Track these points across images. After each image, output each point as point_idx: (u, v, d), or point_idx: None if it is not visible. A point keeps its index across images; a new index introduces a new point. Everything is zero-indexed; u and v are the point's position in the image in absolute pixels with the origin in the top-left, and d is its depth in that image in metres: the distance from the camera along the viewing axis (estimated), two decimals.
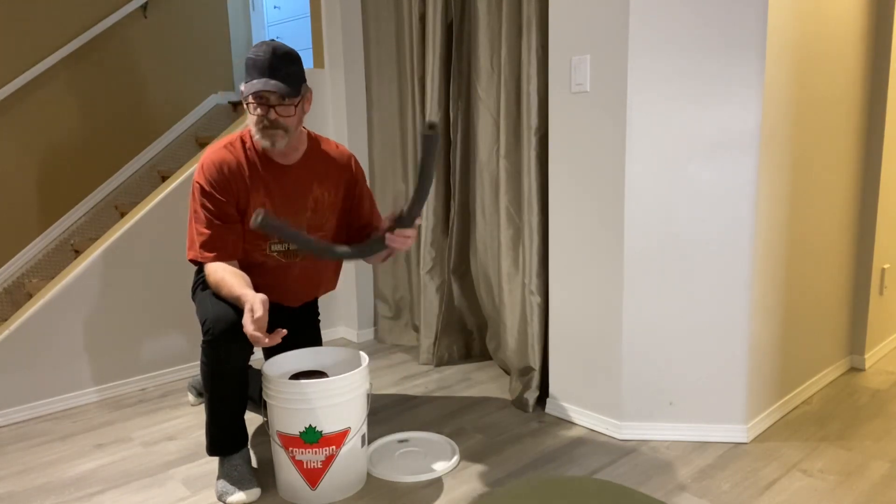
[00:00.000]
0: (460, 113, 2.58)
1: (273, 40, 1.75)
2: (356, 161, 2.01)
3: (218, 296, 1.77)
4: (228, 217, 1.80)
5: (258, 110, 1.73)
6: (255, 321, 1.54)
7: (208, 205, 1.78)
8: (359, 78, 2.97)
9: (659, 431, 2.04)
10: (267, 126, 1.74)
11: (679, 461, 1.90)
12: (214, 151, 1.81)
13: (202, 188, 1.78)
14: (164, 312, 2.64)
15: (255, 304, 1.57)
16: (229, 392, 1.77)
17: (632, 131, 1.91)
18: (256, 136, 1.77)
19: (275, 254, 1.90)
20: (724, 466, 1.87)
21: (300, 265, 1.94)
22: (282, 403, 1.67)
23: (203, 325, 1.73)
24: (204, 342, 1.71)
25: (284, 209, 1.87)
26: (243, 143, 1.84)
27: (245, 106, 1.78)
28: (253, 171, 1.82)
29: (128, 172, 3.78)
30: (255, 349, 2.78)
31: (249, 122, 1.79)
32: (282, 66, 1.71)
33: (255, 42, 4.46)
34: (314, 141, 1.93)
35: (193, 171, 2.64)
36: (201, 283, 1.90)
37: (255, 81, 1.70)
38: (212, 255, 1.78)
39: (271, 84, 1.69)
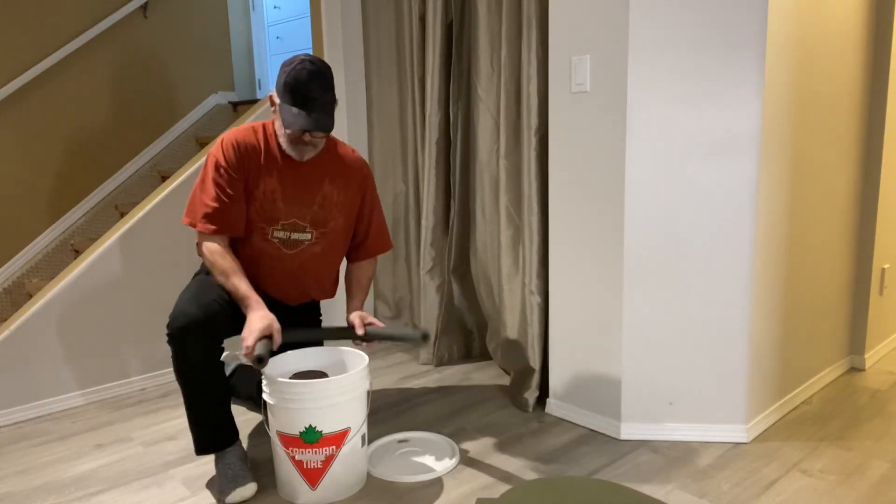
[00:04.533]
0: (460, 113, 2.58)
1: (311, 59, 1.74)
2: (368, 170, 2.05)
3: (205, 284, 1.81)
4: (237, 194, 1.83)
5: (292, 133, 1.78)
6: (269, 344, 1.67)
7: (220, 180, 1.81)
8: (359, 78, 2.97)
9: (659, 431, 2.04)
10: (298, 143, 1.80)
11: (679, 461, 1.90)
12: (237, 130, 1.86)
13: (217, 162, 1.82)
14: (165, 312, 2.63)
15: (274, 332, 1.70)
16: (201, 387, 1.77)
17: (632, 131, 1.91)
18: (285, 146, 1.82)
19: (276, 240, 1.91)
20: (724, 466, 1.86)
21: (299, 258, 1.95)
22: (282, 403, 1.67)
23: (169, 317, 1.76)
24: (167, 336, 1.73)
25: (293, 199, 1.89)
26: (265, 130, 1.88)
27: (275, 114, 1.80)
28: (269, 158, 1.86)
29: (128, 172, 3.78)
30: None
31: (276, 126, 1.83)
32: (325, 96, 1.74)
33: (255, 42, 4.46)
34: (332, 141, 1.97)
35: (193, 171, 2.65)
36: (196, 273, 1.94)
37: (301, 119, 1.72)
38: (213, 227, 1.81)
39: (320, 126, 1.73)
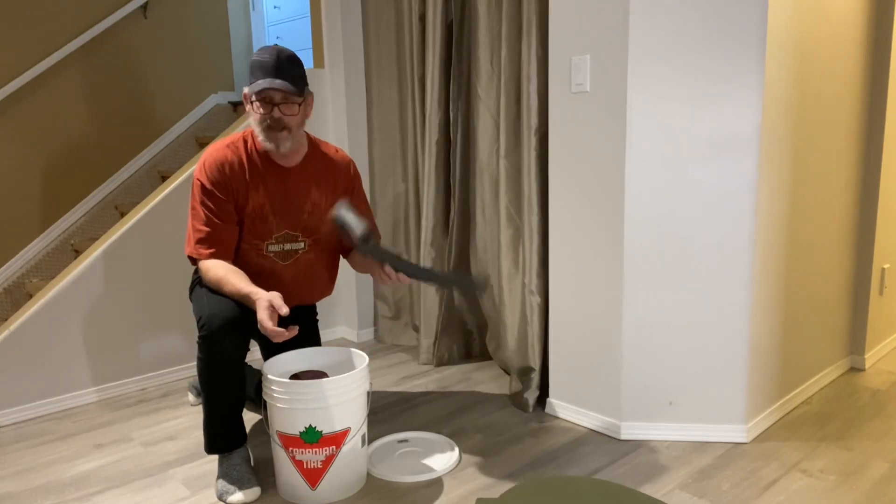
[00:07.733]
0: (460, 113, 2.58)
1: (276, 45, 1.80)
2: (354, 167, 2.05)
3: (216, 292, 1.78)
4: (227, 215, 1.82)
5: (262, 109, 1.76)
6: (273, 318, 1.58)
7: (208, 202, 1.80)
8: (359, 78, 2.97)
9: (659, 431, 2.04)
10: (271, 126, 1.77)
11: (679, 461, 1.90)
12: (216, 150, 1.84)
13: (202, 186, 1.80)
14: (164, 312, 2.64)
15: (274, 300, 1.60)
16: (226, 388, 1.77)
17: (632, 131, 1.91)
18: (260, 138, 1.80)
19: (271, 254, 1.90)
20: (723, 466, 1.87)
21: (294, 268, 1.95)
22: (282, 403, 1.67)
23: (199, 320, 1.74)
24: (199, 337, 1.72)
25: (282, 210, 1.88)
26: (245, 142, 1.86)
27: (248, 106, 1.79)
28: (253, 171, 1.84)
29: (128, 172, 3.78)
30: (252, 345, 2.79)
31: (252, 123, 1.81)
32: (287, 67, 1.76)
33: (255, 42, 4.46)
34: (314, 144, 1.96)
35: (193, 170, 2.64)
36: (199, 281, 1.91)
37: (260, 81, 1.73)
38: (209, 251, 1.80)
39: (277, 83, 1.72)
